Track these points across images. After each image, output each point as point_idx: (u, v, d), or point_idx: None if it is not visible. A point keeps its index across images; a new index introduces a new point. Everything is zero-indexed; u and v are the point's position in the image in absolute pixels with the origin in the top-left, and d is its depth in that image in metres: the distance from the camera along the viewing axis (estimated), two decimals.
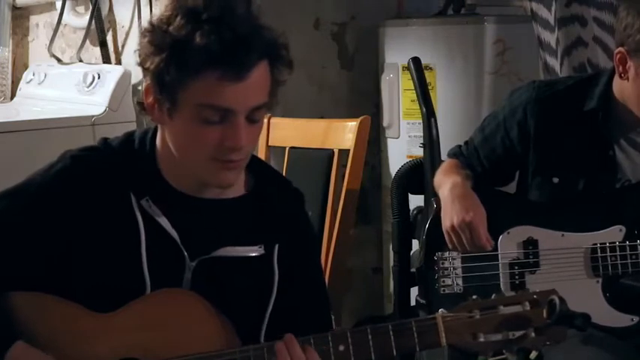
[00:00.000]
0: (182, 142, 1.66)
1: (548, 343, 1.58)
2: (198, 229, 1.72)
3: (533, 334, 1.57)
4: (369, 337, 1.60)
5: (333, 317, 1.84)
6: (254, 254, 1.73)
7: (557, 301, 1.53)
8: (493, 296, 1.60)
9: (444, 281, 2.26)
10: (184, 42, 1.57)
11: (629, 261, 2.15)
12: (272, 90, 1.66)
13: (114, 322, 1.64)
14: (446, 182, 2.27)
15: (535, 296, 1.58)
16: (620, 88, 2.16)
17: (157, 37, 1.60)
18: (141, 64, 1.64)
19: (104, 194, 1.69)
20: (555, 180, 2.23)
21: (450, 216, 2.20)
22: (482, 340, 1.57)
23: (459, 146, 2.43)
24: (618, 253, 2.16)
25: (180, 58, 1.57)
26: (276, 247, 1.76)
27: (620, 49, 2.09)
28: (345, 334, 1.60)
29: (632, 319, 2.15)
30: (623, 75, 2.11)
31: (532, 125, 2.24)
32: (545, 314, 1.56)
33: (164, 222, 1.70)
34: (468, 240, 2.17)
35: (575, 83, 2.27)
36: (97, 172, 1.71)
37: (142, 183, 1.71)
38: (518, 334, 1.57)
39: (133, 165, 1.72)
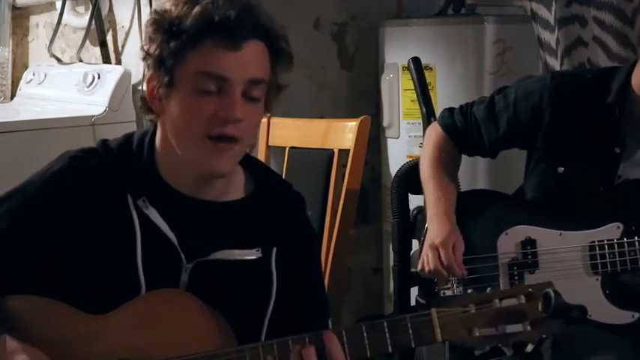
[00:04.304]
0: (178, 121, 1.65)
1: (544, 336, 1.58)
2: (196, 231, 1.71)
3: (529, 328, 1.56)
4: (365, 334, 1.59)
5: (330, 323, 1.82)
6: (251, 257, 1.73)
7: (552, 293, 1.52)
8: (488, 290, 1.59)
9: None
10: (182, 17, 1.62)
11: (627, 258, 2.15)
12: (272, 72, 1.68)
13: (109, 323, 1.63)
14: (431, 201, 2.28)
15: (530, 289, 1.57)
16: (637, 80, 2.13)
17: (157, 18, 1.65)
18: (145, 52, 1.66)
19: (101, 195, 1.69)
20: (560, 169, 2.22)
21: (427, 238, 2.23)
22: (477, 334, 1.56)
23: (452, 114, 2.38)
24: (617, 250, 2.16)
25: (178, 32, 1.61)
26: (274, 250, 1.75)
27: None
28: (340, 332, 1.59)
29: (633, 316, 2.15)
30: None
31: (548, 112, 2.21)
32: (540, 307, 1.55)
33: (161, 223, 1.69)
34: (436, 261, 2.19)
35: (594, 76, 2.24)
36: (94, 173, 1.71)
37: (140, 184, 1.71)
38: (514, 327, 1.56)
39: (131, 166, 1.72)
